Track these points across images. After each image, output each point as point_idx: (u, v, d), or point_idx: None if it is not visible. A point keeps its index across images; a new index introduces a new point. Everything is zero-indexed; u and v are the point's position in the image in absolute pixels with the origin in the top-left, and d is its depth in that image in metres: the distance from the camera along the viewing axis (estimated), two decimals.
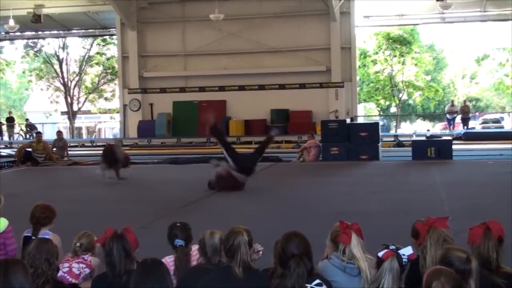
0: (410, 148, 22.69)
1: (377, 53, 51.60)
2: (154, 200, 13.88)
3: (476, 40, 77.19)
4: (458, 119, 39.00)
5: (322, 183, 16.35)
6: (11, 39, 47.98)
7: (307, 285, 4.34)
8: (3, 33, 43.78)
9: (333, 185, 15.79)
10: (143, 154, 27.22)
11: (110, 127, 56.92)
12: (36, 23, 38.20)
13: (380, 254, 4.29)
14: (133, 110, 36.98)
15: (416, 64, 51.95)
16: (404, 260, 4.29)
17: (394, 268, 4.22)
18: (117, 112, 44.45)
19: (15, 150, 26.93)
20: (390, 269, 4.21)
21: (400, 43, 50.01)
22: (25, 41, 49.99)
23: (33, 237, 6.18)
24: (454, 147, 22.41)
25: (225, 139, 16.83)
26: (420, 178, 16.70)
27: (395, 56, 50.69)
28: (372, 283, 4.37)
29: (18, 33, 42.49)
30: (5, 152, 30.29)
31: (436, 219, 4.95)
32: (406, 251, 4.32)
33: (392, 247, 4.33)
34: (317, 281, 4.42)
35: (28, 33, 44.12)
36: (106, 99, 54.80)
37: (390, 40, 50.06)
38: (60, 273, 5.35)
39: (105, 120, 58.74)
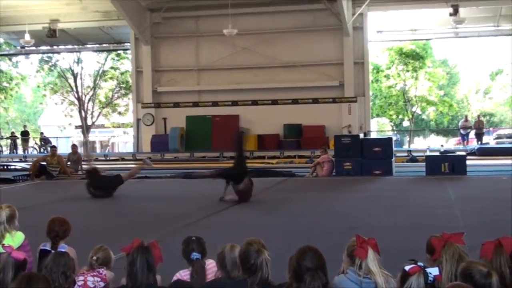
0: (423, 164, 22.58)
1: (390, 67, 51.56)
2: (167, 214, 13.88)
3: (490, 54, 77.10)
4: (472, 134, 38.87)
5: (336, 198, 16.32)
6: (27, 54, 48.31)
7: None
8: (19, 47, 44.12)
9: (347, 200, 15.74)
10: (156, 169, 27.23)
11: (123, 141, 57.07)
12: (51, 37, 38.50)
13: (407, 268, 4.26)
14: (146, 125, 37.08)
15: (429, 79, 51.86)
16: (430, 278, 4.26)
17: (421, 284, 4.18)
18: (131, 127, 44.58)
19: (30, 163, 27.05)
20: (417, 285, 4.18)
21: (413, 57, 49.94)
22: (40, 55, 50.31)
23: (52, 251, 6.21)
24: (468, 162, 22.28)
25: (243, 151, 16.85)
26: (434, 193, 16.63)
27: (408, 70, 50.62)
28: None
29: (33, 48, 42.81)
30: (20, 165, 30.44)
31: (451, 234, 4.93)
32: (433, 271, 4.29)
33: (420, 263, 4.31)
34: None
35: (43, 48, 44.44)
36: (119, 113, 54.98)
37: (403, 55, 50.02)
38: (75, 287, 5.37)
39: (119, 134, 58.91)
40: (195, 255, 5.55)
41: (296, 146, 33.73)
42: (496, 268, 4.52)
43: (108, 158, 35.64)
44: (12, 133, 48.62)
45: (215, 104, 36.42)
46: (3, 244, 5.42)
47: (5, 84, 53.99)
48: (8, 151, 44.35)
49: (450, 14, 32.90)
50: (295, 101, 35.41)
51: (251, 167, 24.74)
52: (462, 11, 32.80)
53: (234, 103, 36.05)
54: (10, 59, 52.43)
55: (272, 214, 13.48)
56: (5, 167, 29.86)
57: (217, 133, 35.75)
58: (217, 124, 36.00)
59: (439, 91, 54.29)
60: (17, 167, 29.70)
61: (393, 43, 48.46)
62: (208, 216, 13.34)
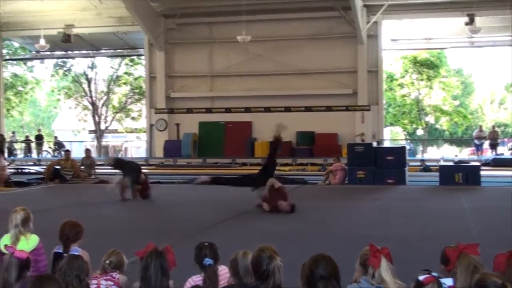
0: (437, 173, 22.49)
1: (404, 76, 51.44)
2: (179, 220, 13.91)
3: (505, 65, 76.59)
4: (486, 144, 38.71)
5: (348, 206, 16.28)
6: (42, 58, 48.55)
7: None
8: (34, 52, 44.38)
9: (360, 209, 15.70)
10: (168, 174, 27.32)
11: (136, 147, 57.17)
12: (66, 42, 38.70)
13: (421, 278, 4.24)
14: (159, 130, 37.17)
15: (443, 88, 51.71)
16: None
17: None
18: (144, 132, 44.67)
19: (44, 167, 27.17)
20: None
21: (428, 66, 49.84)
22: (55, 60, 50.54)
23: (64, 254, 6.22)
24: (482, 173, 22.19)
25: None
26: (447, 203, 16.56)
27: (422, 79, 50.52)
28: None
29: (48, 53, 42.98)
30: (34, 169, 30.58)
31: (466, 245, 4.90)
32: (448, 281, 4.27)
33: (434, 273, 4.29)
34: None
35: (58, 53, 44.62)
36: (133, 118, 55.09)
37: (417, 64, 49.91)
38: None
39: (132, 139, 59.05)
40: (208, 261, 5.54)
41: (309, 154, 33.70)
42: (509, 280, 4.50)
43: None
44: (27, 137, 48.81)
45: (228, 110, 36.45)
46: (6, 245, 5.45)
47: (20, 88, 54.28)
48: (23, 155, 44.54)
49: (466, 23, 32.80)
50: (308, 109, 35.40)
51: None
52: (478, 20, 32.70)
53: (247, 110, 36.07)
54: (25, 64, 52.74)
55: (284, 222, 13.45)
56: (20, 170, 30.00)
57: (229, 139, 35.80)
58: (230, 130, 36.05)
59: (453, 101, 54.11)
60: (31, 171, 29.84)
61: (408, 52, 48.36)
62: (220, 222, 13.34)
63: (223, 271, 5.72)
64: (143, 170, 19.68)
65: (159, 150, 36.71)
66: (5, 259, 5.07)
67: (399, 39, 38.55)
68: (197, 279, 5.65)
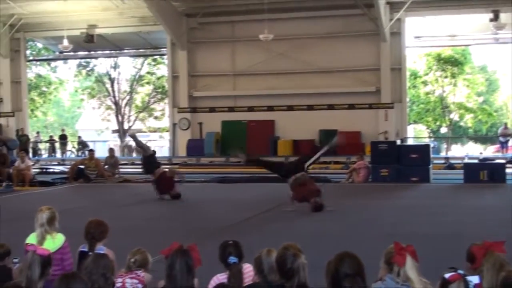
0: (461, 171, 22.37)
1: (427, 73, 51.14)
2: (203, 219, 13.96)
3: None
4: (511, 142, 38.38)
5: (372, 204, 16.22)
6: (65, 59, 48.89)
7: None
8: (57, 52, 44.68)
9: (384, 207, 15.65)
10: (191, 173, 27.37)
11: (159, 146, 57.39)
12: (89, 43, 38.89)
13: (447, 276, 4.21)
14: (182, 129, 37.24)
15: (468, 85, 51.34)
16: (470, 287, 4.19)
17: None
18: (167, 131, 44.80)
19: (68, 167, 27.35)
20: None
21: (452, 63, 49.48)
22: (78, 60, 50.87)
23: (90, 253, 6.26)
24: (507, 170, 22.01)
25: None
26: (472, 201, 16.47)
27: (446, 77, 50.17)
28: None
29: (71, 53, 43.25)
30: (58, 168, 30.80)
31: (492, 243, 4.86)
32: (474, 279, 4.23)
33: (460, 271, 4.25)
34: None
35: (81, 53, 44.88)
36: (156, 118, 55.33)
37: (441, 61, 49.57)
38: None
39: (155, 138, 59.30)
40: (232, 259, 5.54)
41: (332, 152, 33.56)
42: None
43: None
44: (51, 137, 49.12)
45: (250, 109, 36.43)
46: (27, 244, 5.49)
47: (44, 88, 54.73)
48: (47, 155, 44.85)
49: (491, 20, 32.52)
50: (330, 107, 35.27)
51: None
52: (503, 16, 32.41)
53: (270, 108, 36.03)
54: (48, 64, 53.17)
55: (308, 220, 13.44)
56: (44, 170, 30.23)
57: (252, 138, 35.77)
58: (252, 129, 36.03)
59: (477, 98, 53.70)
60: (55, 170, 30.07)
61: (432, 49, 48.03)
62: (245, 221, 13.36)
63: (248, 269, 5.72)
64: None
65: (182, 149, 36.80)
66: (28, 256, 5.12)
67: (423, 36, 38.29)
68: (222, 277, 5.66)
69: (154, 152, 19.31)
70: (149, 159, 18.39)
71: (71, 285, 4.18)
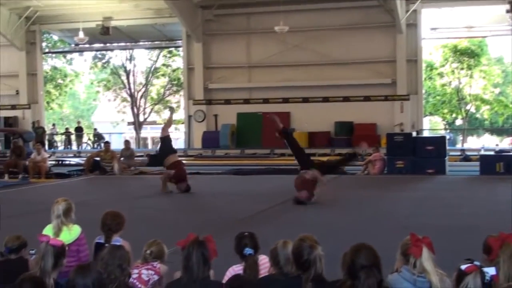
0: (477, 163, 22.27)
1: (444, 65, 50.89)
2: (218, 210, 13.97)
3: None
4: None
5: (388, 196, 16.18)
6: (81, 51, 49.05)
7: None
8: (73, 45, 44.84)
9: (399, 199, 15.61)
10: (207, 165, 27.44)
11: (174, 138, 57.47)
12: (104, 35, 39.01)
13: (463, 267, 4.19)
14: (197, 121, 37.32)
15: (484, 77, 51.04)
16: (486, 278, 4.18)
17: (478, 284, 4.10)
18: (182, 123, 44.90)
19: (84, 159, 27.46)
20: (474, 284, 4.10)
21: (468, 55, 49.21)
22: (93, 52, 51.01)
23: (106, 244, 6.29)
24: None
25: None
26: (488, 193, 16.38)
27: (462, 68, 49.91)
28: None
29: (87, 45, 43.40)
30: (74, 161, 30.93)
31: (509, 234, 4.84)
32: (490, 271, 4.21)
33: (476, 263, 4.24)
34: None
35: (96, 45, 45.05)
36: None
37: (458, 52, 49.30)
38: (130, 280, 5.42)
39: (170, 130, 59.34)
40: (248, 251, 5.53)
41: (347, 144, 33.49)
42: None
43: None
44: (67, 129, 49.37)
45: (266, 101, 36.44)
46: (41, 234, 5.51)
47: (59, 81, 54.93)
48: (63, 147, 45.07)
49: (507, 11, 32.32)
50: (346, 99, 35.24)
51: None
52: None
53: (285, 100, 36.01)
54: (64, 56, 53.36)
55: (323, 212, 13.44)
56: (60, 162, 30.36)
57: (267, 130, 35.70)
58: (268, 121, 35.88)
59: (494, 90, 53.39)
60: (71, 162, 30.19)
61: (448, 41, 47.80)
62: (260, 212, 13.37)
63: (264, 261, 5.72)
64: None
65: (197, 141, 36.88)
66: (41, 247, 5.14)
67: (439, 28, 38.13)
68: (238, 268, 5.66)
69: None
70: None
71: (86, 276, 4.20)
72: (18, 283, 4.30)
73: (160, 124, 57.45)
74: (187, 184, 17.21)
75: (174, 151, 18.13)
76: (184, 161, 29.34)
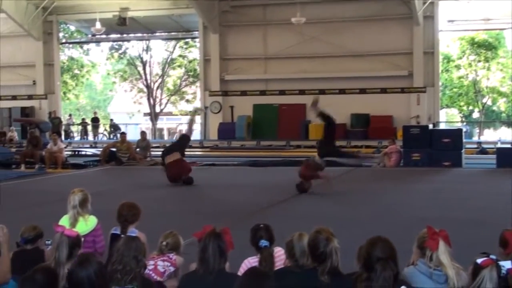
0: (494, 156, 22.16)
1: (461, 57, 50.62)
2: (234, 202, 13.97)
3: None
4: None
5: (404, 189, 16.15)
6: (97, 41, 49.14)
7: None
8: (90, 35, 44.92)
9: (415, 191, 15.56)
10: (223, 156, 27.46)
11: None
12: (121, 26, 39.04)
13: (479, 261, 4.17)
14: (213, 112, 37.32)
15: (501, 70, 50.71)
16: (502, 272, 4.16)
17: (494, 278, 4.09)
18: (198, 114, 44.98)
19: (100, 149, 27.55)
20: (490, 277, 4.08)
21: (485, 47, 48.91)
22: (110, 43, 51.11)
23: (122, 235, 6.30)
24: None
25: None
26: (505, 186, 16.26)
27: (479, 61, 49.62)
28: None
29: (104, 36, 43.51)
30: (90, 151, 31.04)
31: None
32: (506, 264, 4.19)
33: (492, 256, 4.22)
34: (403, 287, 4.36)
35: (113, 36, 45.13)
36: (187, 101, 55.49)
37: (475, 45, 49.01)
38: (146, 271, 5.44)
39: (186, 122, 59.47)
40: (264, 243, 5.53)
41: (363, 136, 33.44)
42: None
43: None
44: (83, 119, 49.56)
45: (282, 92, 36.40)
46: (56, 224, 5.52)
47: (76, 71, 55.10)
48: (79, 137, 45.24)
49: None
50: (362, 91, 35.13)
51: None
52: None
53: (301, 92, 35.92)
54: (81, 47, 53.50)
55: (339, 204, 13.43)
56: (76, 152, 30.47)
57: (283, 121, 35.78)
58: (284, 113, 36.01)
59: (511, 82, 53.02)
60: (87, 153, 30.28)
61: (465, 33, 47.51)
62: (275, 204, 13.37)
63: (279, 253, 5.72)
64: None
65: (213, 132, 36.89)
66: (56, 238, 5.15)
67: (456, 20, 37.89)
68: (253, 260, 5.66)
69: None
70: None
71: (86, 267, 4.23)
72: (31, 274, 4.31)
73: (176, 115, 57.79)
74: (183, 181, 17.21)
75: (177, 150, 17.92)
76: (200, 153, 29.66)
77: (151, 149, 26.18)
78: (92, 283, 4.20)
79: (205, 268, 4.81)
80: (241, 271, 5.49)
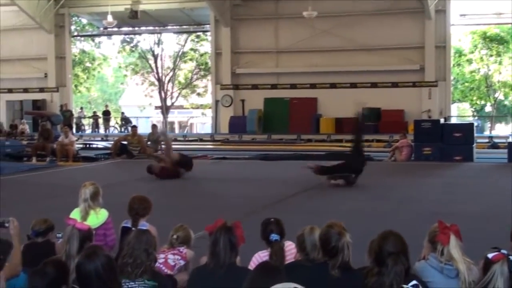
0: (505, 150, 22.07)
1: (472, 52, 50.41)
2: (244, 196, 13.97)
3: None
4: None
5: (415, 183, 16.10)
6: (109, 35, 49.21)
7: (403, 286, 4.29)
8: (102, 28, 44.99)
9: (426, 186, 15.51)
10: (233, 150, 27.46)
11: (201, 122, 57.65)
12: (133, 19, 39.09)
13: (490, 255, 4.16)
14: (225, 106, 37.34)
15: None
16: None
17: (505, 272, 4.07)
18: (209, 108, 44.98)
19: (111, 142, 27.59)
20: (501, 272, 4.07)
21: (497, 42, 48.68)
22: (122, 36, 51.15)
23: (133, 228, 6.31)
24: None
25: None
26: None
27: (491, 55, 49.40)
28: (478, 285, 4.23)
29: (115, 29, 43.58)
30: (102, 144, 31.09)
31: None
32: None
33: (503, 251, 4.20)
34: (414, 282, 4.36)
35: (125, 29, 45.19)
36: (198, 94, 55.52)
37: (487, 39, 48.79)
38: (156, 264, 5.45)
39: (197, 115, 59.50)
40: (274, 237, 5.52)
41: (374, 130, 33.36)
42: None
43: (186, 139, 36.01)
44: (94, 112, 49.68)
45: (293, 86, 36.38)
46: (68, 217, 5.53)
47: (87, 64, 55.19)
48: (90, 130, 45.36)
49: None
50: (374, 85, 35.05)
51: (328, 150, 24.77)
52: None
53: (313, 86, 35.92)
54: (93, 40, 53.56)
55: (349, 198, 13.40)
56: (88, 145, 30.53)
57: (295, 115, 35.76)
58: (295, 106, 35.99)
59: None
60: (98, 146, 30.33)
61: (477, 27, 47.31)
62: (286, 198, 13.36)
63: (290, 247, 5.72)
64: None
65: (224, 126, 36.90)
66: (67, 231, 5.15)
67: (468, 14, 37.76)
68: (263, 254, 5.66)
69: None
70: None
71: (93, 260, 4.23)
72: (42, 267, 4.32)
73: (187, 109, 57.80)
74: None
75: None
76: (210, 146, 29.71)
77: (162, 143, 26.16)
78: (100, 276, 4.20)
79: (215, 262, 4.81)
80: (251, 265, 5.50)
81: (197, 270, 5.13)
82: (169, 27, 45.39)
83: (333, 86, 35.58)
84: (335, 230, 4.73)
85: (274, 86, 36.83)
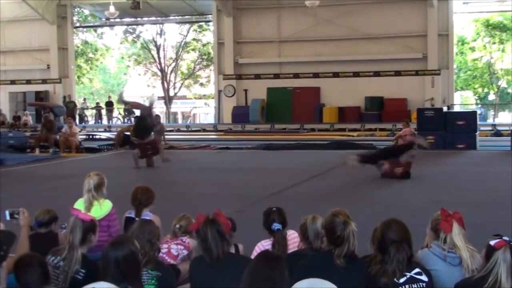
0: (508, 138, 22.06)
1: (475, 40, 50.30)
2: (247, 185, 13.99)
3: None
4: None
5: (418, 171, 16.06)
6: (111, 25, 49.15)
7: (406, 273, 4.30)
8: (104, 19, 44.93)
9: (430, 174, 15.50)
10: (237, 140, 27.46)
11: (204, 113, 57.63)
12: (135, 9, 38.91)
13: (492, 242, 4.15)
14: (227, 96, 37.31)
15: None
16: None
17: (507, 259, 4.06)
18: (212, 98, 44.94)
19: (114, 133, 27.60)
20: (504, 259, 4.06)
21: (500, 29, 48.54)
22: (124, 27, 51.11)
23: (136, 218, 6.31)
24: None
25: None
26: None
27: (494, 43, 49.29)
28: (481, 272, 4.23)
29: (117, 20, 43.49)
30: (105, 135, 31.11)
31: None
32: None
33: (505, 238, 4.20)
34: (417, 269, 4.37)
35: (127, 19, 45.13)
36: (201, 84, 55.50)
37: (490, 27, 48.67)
38: (159, 254, 5.45)
39: (200, 105, 59.52)
40: (276, 226, 5.53)
41: (377, 119, 33.34)
42: None
43: (189, 129, 36.03)
44: (97, 103, 49.64)
45: (296, 76, 36.33)
46: (72, 208, 5.52)
47: (90, 55, 55.13)
48: (94, 121, 45.35)
49: None
50: (377, 74, 34.99)
51: (332, 139, 24.75)
52: None
53: (315, 75, 35.87)
54: (95, 31, 53.47)
55: (352, 187, 13.41)
56: (91, 136, 30.56)
57: (297, 105, 35.71)
58: (298, 96, 35.94)
59: None
60: (102, 137, 30.36)
61: (480, 15, 47.16)
62: (289, 188, 13.37)
63: (292, 235, 5.72)
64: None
65: (227, 116, 36.89)
66: (70, 221, 5.14)
67: (471, 2, 37.61)
68: (266, 243, 5.67)
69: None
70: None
71: (117, 250, 4.23)
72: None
73: (190, 99, 57.77)
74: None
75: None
76: (214, 136, 29.75)
77: (165, 133, 26.17)
78: (119, 265, 4.20)
79: (210, 257, 4.73)
80: (254, 254, 5.49)
81: (196, 259, 5.04)
82: (171, 17, 45.33)
83: (336, 75, 35.52)
84: (340, 219, 4.63)
85: (276, 76, 36.78)
